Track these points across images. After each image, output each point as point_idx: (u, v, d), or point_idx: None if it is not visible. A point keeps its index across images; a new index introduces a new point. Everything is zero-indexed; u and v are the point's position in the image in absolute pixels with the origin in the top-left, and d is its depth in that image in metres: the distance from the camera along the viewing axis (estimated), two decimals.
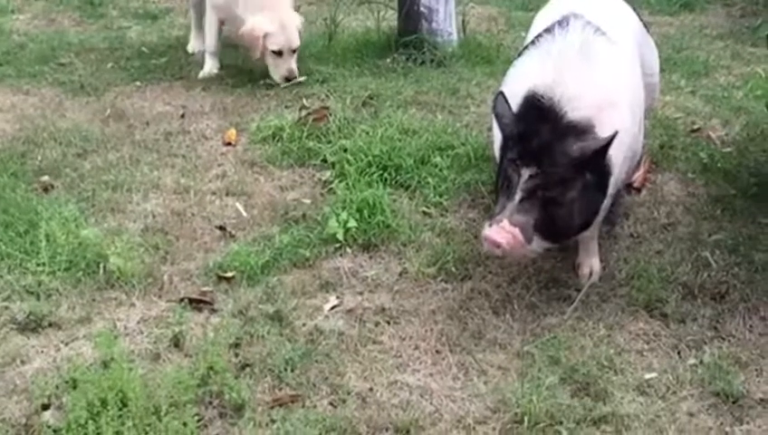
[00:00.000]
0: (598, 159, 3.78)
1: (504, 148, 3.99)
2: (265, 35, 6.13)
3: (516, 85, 4.06)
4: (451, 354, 3.83)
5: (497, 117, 3.97)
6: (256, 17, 6.14)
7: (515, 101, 3.93)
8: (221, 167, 5.28)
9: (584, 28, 4.10)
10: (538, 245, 3.83)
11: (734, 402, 3.55)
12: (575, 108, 3.79)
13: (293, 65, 6.29)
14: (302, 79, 6.28)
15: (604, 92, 3.92)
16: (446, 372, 3.74)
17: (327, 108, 5.71)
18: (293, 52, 6.28)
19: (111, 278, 4.22)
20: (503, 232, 3.72)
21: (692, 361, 3.76)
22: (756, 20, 7.87)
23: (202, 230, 4.69)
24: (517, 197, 3.77)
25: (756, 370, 3.73)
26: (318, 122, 5.56)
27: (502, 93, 3.98)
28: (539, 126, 3.80)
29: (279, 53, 6.21)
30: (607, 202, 4.02)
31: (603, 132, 3.78)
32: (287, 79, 6.24)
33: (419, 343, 3.89)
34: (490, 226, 3.77)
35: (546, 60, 4.02)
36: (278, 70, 6.25)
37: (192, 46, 7.08)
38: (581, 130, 3.79)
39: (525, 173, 3.77)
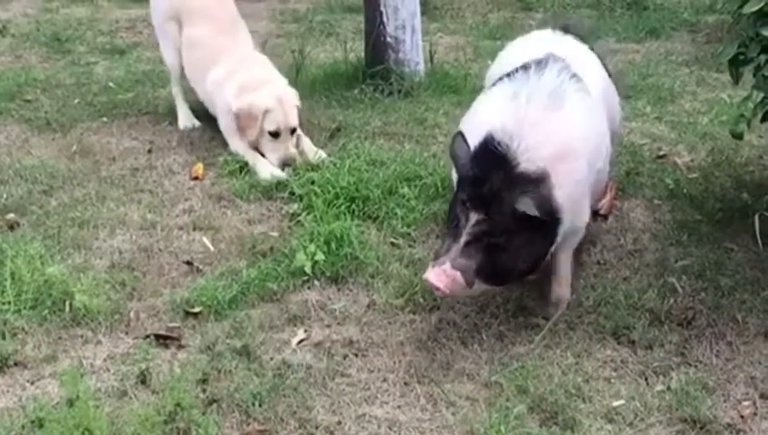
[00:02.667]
0: (545, 211, 3.79)
1: (457, 187, 4.00)
2: (265, 113, 5.61)
3: (479, 120, 4.07)
4: (419, 386, 3.82)
5: (453, 157, 3.97)
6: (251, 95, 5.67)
7: (475, 138, 3.93)
8: (188, 201, 5.27)
9: (560, 73, 4.11)
10: (479, 287, 3.86)
11: (701, 428, 3.56)
12: (531, 159, 3.80)
13: (292, 148, 5.66)
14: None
15: (565, 144, 3.93)
16: (415, 403, 3.73)
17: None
18: (292, 132, 5.71)
19: (78, 316, 4.19)
20: (443, 276, 3.73)
21: (659, 387, 3.76)
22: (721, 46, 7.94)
23: (169, 266, 4.67)
24: (462, 240, 3.78)
25: (723, 395, 3.74)
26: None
27: (461, 134, 3.97)
28: (492, 172, 3.80)
29: (276, 134, 5.63)
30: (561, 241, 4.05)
31: (558, 183, 3.80)
32: (285, 164, 5.58)
33: (388, 375, 3.88)
34: (432, 267, 3.78)
35: (513, 102, 4.00)
36: (275, 153, 5.61)
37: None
38: (535, 180, 3.80)
39: (473, 217, 3.79)
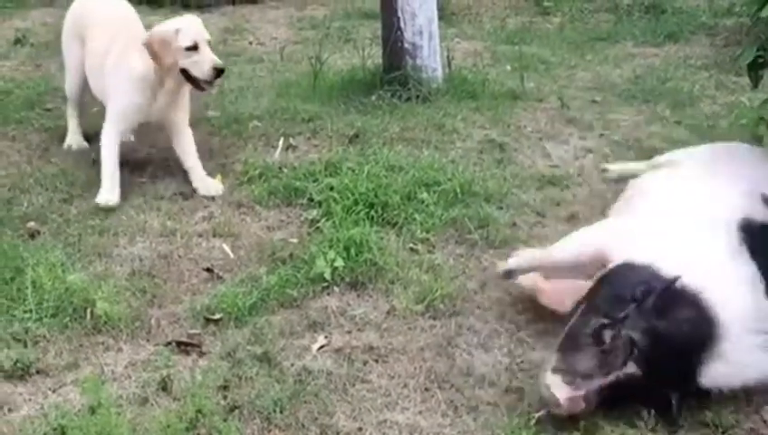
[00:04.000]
0: None
1: None
2: (176, 31, 5.39)
3: None
4: (440, 391, 3.82)
5: None
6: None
7: None
8: (207, 208, 5.28)
9: None
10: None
11: (723, 432, 3.58)
12: None
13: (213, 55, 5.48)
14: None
15: None
16: (436, 409, 3.72)
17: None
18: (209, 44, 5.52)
19: (98, 323, 4.20)
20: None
21: None
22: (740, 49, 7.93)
23: (189, 272, 4.68)
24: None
25: (746, 399, 3.73)
26: None
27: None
28: None
29: (194, 48, 5.40)
30: None
31: None
32: (217, 71, 5.44)
33: (408, 381, 3.88)
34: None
35: None
36: (202, 65, 5.40)
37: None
38: None
39: None
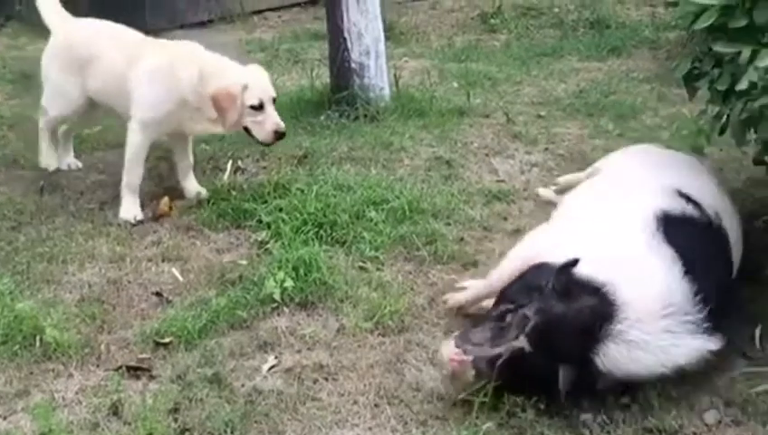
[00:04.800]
0: None
1: None
2: (244, 88, 5.28)
3: None
4: (390, 407, 3.86)
5: None
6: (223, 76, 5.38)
7: None
8: (156, 233, 5.30)
9: None
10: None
11: None
12: None
13: (277, 117, 5.41)
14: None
15: None
16: (385, 425, 3.77)
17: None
18: (273, 102, 5.45)
19: (48, 350, 4.21)
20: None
21: (625, 399, 3.81)
22: None
23: (138, 297, 4.70)
24: None
25: (688, 405, 3.82)
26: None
27: None
28: None
29: (259, 107, 5.33)
30: None
31: None
32: (278, 135, 5.37)
33: (358, 398, 3.92)
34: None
35: None
36: (264, 126, 5.35)
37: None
38: None
39: None
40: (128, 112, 5.59)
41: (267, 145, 5.52)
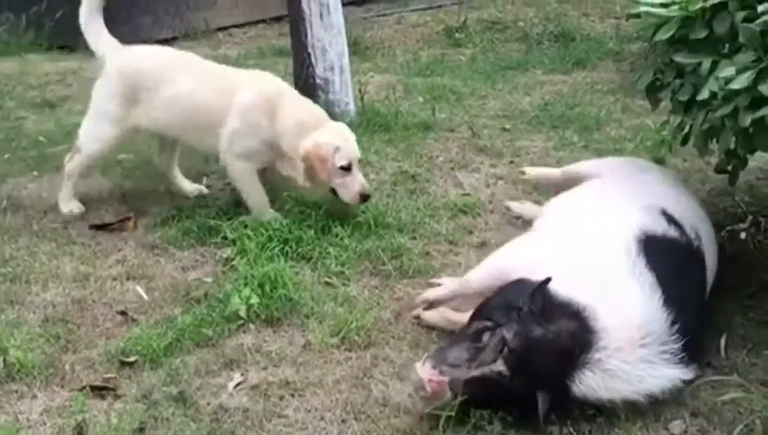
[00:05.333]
0: None
1: None
2: (336, 150, 5.31)
3: None
4: (356, 422, 3.85)
5: None
6: (314, 135, 5.36)
7: None
8: (121, 252, 5.26)
9: None
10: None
11: None
12: None
13: (362, 178, 5.46)
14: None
15: None
16: None
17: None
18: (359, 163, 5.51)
19: (12, 371, 4.17)
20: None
21: (591, 411, 3.80)
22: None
23: (103, 317, 4.66)
24: None
25: (654, 415, 3.81)
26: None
27: None
28: None
29: (348, 168, 5.37)
30: None
31: None
32: (363, 196, 5.42)
33: (325, 414, 3.90)
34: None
35: None
36: (351, 188, 5.38)
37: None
38: None
39: None
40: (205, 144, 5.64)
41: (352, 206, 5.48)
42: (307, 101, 5.71)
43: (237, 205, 5.57)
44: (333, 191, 5.40)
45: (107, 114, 5.71)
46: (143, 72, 5.69)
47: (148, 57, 5.86)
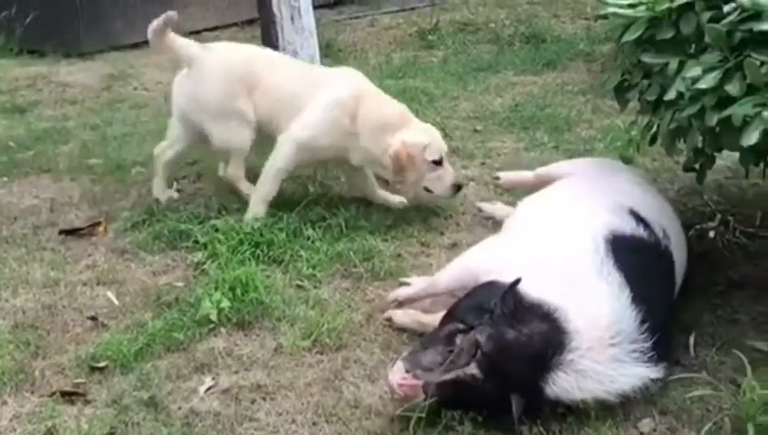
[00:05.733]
0: None
1: None
2: (424, 148, 5.43)
3: None
4: (328, 425, 3.84)
5: None
6: (401, 133, 5.44)
7: None
8: (91, 257, 5.24)
9: None
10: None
11: None
12: None
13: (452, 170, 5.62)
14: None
15: None
16: None
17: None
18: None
19: None
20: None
21: (560, 409, 3.79)
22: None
23: (73, 322, 4.64)
24: None
25: (624, 413, 3.82)
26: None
27: None
28: None
29: (439, 162, 5.51)
30: None
31: None
32: (457, 187, 5.58)
33: (296, 417, 3.90)
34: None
35: None
36: (444, 181, 5.52)
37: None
38: None
39: None
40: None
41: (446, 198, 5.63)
42: (392, 101, 5.76)
43: (208, 208, 5.55)
44: (427, 189, 5.53)
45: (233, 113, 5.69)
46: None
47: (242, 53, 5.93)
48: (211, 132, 5.68)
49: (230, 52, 5.91)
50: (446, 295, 4.42)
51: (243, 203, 5.58)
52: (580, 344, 3.70)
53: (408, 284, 4.69)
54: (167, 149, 5.90)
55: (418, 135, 5.47)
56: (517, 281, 3.81)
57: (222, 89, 5.64)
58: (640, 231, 4.27)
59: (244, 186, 5.77)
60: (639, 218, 4.33)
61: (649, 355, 3.80)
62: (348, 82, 5.71)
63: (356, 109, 5.51)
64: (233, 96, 5.63)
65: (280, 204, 5.57)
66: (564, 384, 3.67)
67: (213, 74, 5.67)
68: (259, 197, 5.54)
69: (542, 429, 3.73)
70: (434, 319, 4.26)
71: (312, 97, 5.56)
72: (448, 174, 5.52)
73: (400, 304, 4.56)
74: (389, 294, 4.63)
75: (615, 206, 4.38)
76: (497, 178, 5.85)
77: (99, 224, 5.55)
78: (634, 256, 4.12)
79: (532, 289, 3.82)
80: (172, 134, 5.88)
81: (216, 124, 5.66)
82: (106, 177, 6.25)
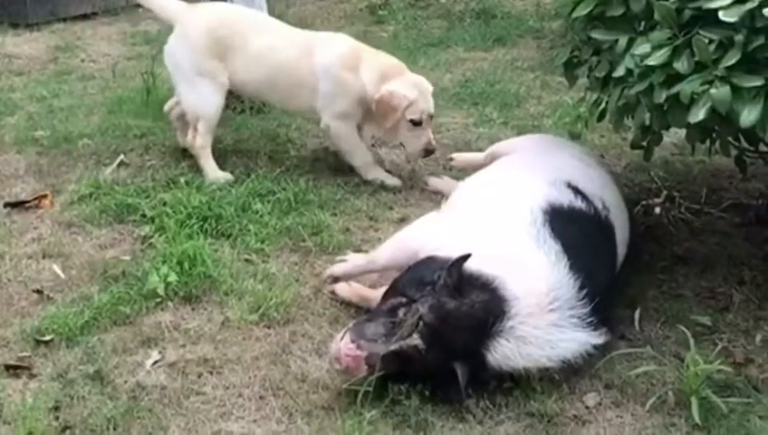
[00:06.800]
0: None
1: None
2: (409, 104, 5.53)
3: None
4: (274, 399, 3.84)
5: None
6: (392, 84, 5.57)
7: None
8: (37, 230, 5.18)
9: None
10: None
11: (548, 421, 3.69)
12: None
13: (431, 135, 5.69)
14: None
15: None
16: (270, 416, 3.75)
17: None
18: (431, 119, 5.72)
19: None
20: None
21: (507, 384, 3.84)
22: None
23: (18, 295, 4.59)
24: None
25: (569, 388, 3.86)
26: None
27: None
28: None
29: (419, 123, 5.59)
30: None
31: None
32: (428, 151, 5.69)
33: (243, 391, 3.89)
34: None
35: None
36: (417, 141, 5.63)
37: None
38: None
39: None
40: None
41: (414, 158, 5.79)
42: (384, 54, 5.87)
43: (160, 182, 5.53)
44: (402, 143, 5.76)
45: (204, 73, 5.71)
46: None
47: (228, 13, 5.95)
48: (180, 93, 5.74)
49: (211, 11, 5.89)
50: (393, 271, 4.43)
51: (190, 177, 5.54)
52: (520, 311, 3.73)
53: (344, 260, 4.69)
54: (174, 105, 6.03)
55: (407, 89, 5.56)
56: (467, 256, 3.82)
57: (195, 50, 5.66)
58: (578, 203, 4.31)
59: (208, 163, 5.74)
60: (578, 191, 4.37)
61: (589, 321, 3.85)
62: (341, 40, 5.87)
63: (355, 64, 5.63)
64: (206, 58, 5.64)
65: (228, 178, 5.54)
66: (506, 351, 3.71)
67: (189, 34, 5.71)
68: (360, 164, 5.79)
69: (488, 402, 3.76)
70: (376, 294, 4.29)
71: (308, 63, 5.66)
72: (424, 136, 5.59)
73: (336, 279, 4.58)
74: (326, 270, 4.63)
75: (553, 179, 4.42)
76: (451, 160, 5.86)
77: (45, 197, 5.49)
78: (572, 226, 4.18)
79: (470, 262, 3.84)
80: (176, 92, 5.92)
81: (186, 86, 5.72)
82: (52, 149, 6.17)
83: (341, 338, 3.76)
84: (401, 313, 3.76)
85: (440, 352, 3.67)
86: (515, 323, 3.71)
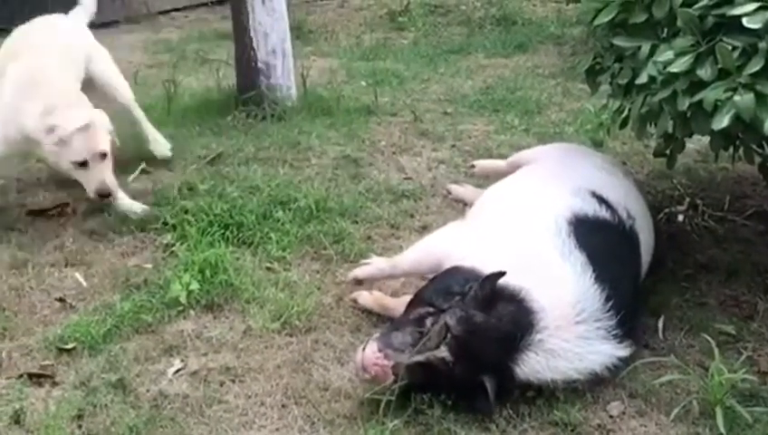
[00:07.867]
0: None
1: None
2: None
3: None
4: (297, 407, 3.83)
5: None
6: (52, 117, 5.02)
7: None
8: (59, 238, 5.20)
9: None
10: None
11: (572, 430, 3.66)
12: None
13: (107, 175, 5.14)
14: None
15: None
16: (293, 425, 3.74)
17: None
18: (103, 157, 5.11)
19: None
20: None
21: (530, 393, 3.82)
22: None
23: (41, 304, 4.61)
24: None
25: (593, 397, 3.83)
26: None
27: None
28: None
29: (84, 164, 5.07)
30: None
31: None
32: (101, 195, 5.16)
33: (265, 399, 3.89)
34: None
35: None
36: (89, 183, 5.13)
37: None
38: None
39: None
40: None
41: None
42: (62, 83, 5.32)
43: (181, 190, 5.56)
44: None
45: None
46: None
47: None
48: None
49: None
50: (417, 278, 4.43)
51: (212, 185, 5.55)
52: (548, 324, 3.71)
53: (367, 263, 4.67)
54: None
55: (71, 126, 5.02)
56: (502, 273, 3.79)
57: None
58: (603, 212, 4.28)
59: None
60: (602, 200, 4.34)
61: (615, 333, 3.82)
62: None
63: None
64: None
65: (249, 185, 5.54)
66: (535, 365, 3.68)
67: None
68: None
69: (511, 412, 3.74)
70: (397, 303, 4.29)
71: None
72: (95, 178, 5.11)
73: (359, 282, 4.56)
74: (349, 273, 4.62)
75: (577, 188, 4.39)
76: (472, 167, 5.85)
77: (67, 205, 5.50)
78: (596, 236, 4.14)
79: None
80: None
81: None
82: None
83: (366, 347, 3.75)
84: (428, 322, 3.74)
85: (468, 365, 3.65)
86: (544, 337, 3.69)
